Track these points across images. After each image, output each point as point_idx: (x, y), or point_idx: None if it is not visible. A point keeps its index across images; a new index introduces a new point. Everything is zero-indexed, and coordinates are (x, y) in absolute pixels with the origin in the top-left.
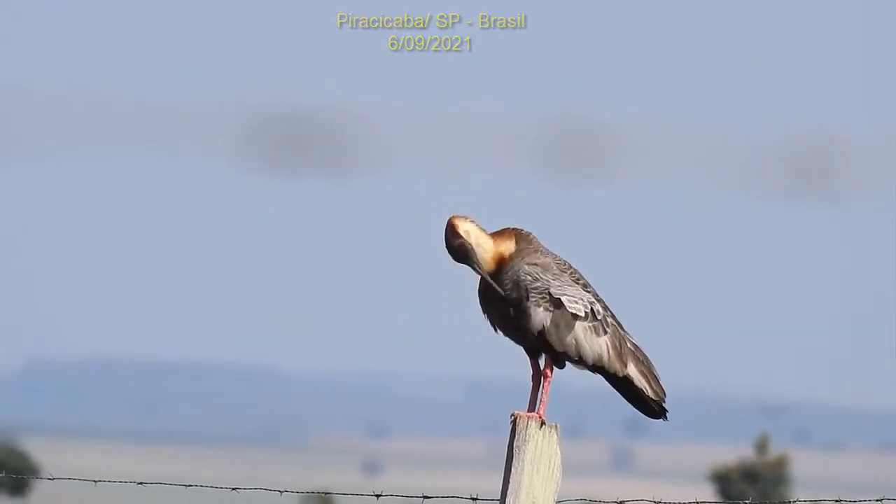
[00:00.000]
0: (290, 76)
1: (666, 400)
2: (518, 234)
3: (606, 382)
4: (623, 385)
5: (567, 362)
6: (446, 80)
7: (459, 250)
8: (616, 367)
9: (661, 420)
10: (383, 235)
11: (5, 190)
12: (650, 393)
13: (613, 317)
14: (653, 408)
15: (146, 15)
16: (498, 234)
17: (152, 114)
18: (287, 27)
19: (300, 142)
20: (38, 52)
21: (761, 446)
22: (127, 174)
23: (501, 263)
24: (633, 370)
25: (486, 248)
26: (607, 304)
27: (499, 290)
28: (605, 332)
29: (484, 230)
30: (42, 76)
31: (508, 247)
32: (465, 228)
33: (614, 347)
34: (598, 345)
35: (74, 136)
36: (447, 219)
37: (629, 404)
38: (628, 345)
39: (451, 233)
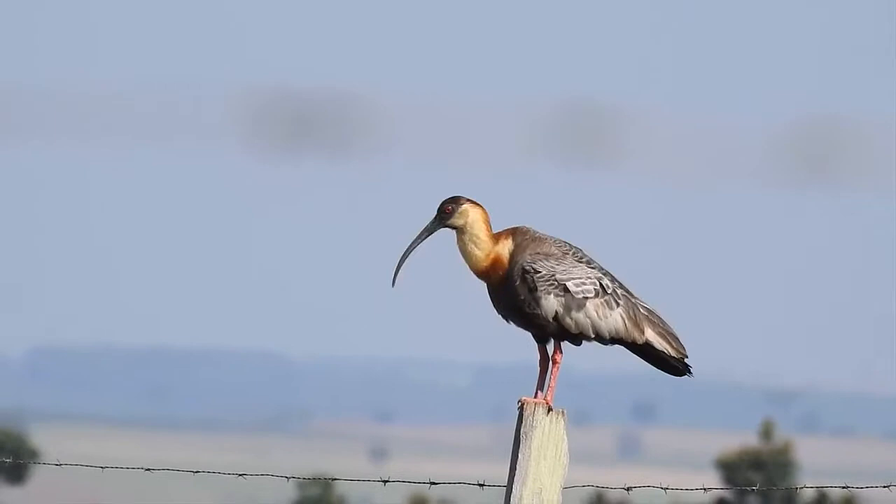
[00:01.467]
0: (295, 60)
1: (688, 356)
2: (514, 232)
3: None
4: (644, 350)
5: (585, 340)
6: (454, 65)
7: (444, 205)
8: (634, 335)
9: (686, 376)
10: (391, 220)
11: (16, 175)
12: (672, 352)
13: (622, 286)
14: (676, 367)
15: (143, 2)
16: (496, 237)
17: (158, 98)
18: (292, 9)
19: (307, 128)
20: (46, 43)
21: (766, 433)
22: (134, 160)
23: (500, 263)
24: (651, 335)
25: (480, 242)
26: (614, 275)
27: (394, 276)
28: (618, 305)
29: (489, 228)
30: (52, 66)
31: (507, 246)
32: (469, 215)
33: (629, 317)
34: (613, 318)
35: (81, 121)
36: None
37: (655, 367)
38: (642, 311)
39: (452, 200)
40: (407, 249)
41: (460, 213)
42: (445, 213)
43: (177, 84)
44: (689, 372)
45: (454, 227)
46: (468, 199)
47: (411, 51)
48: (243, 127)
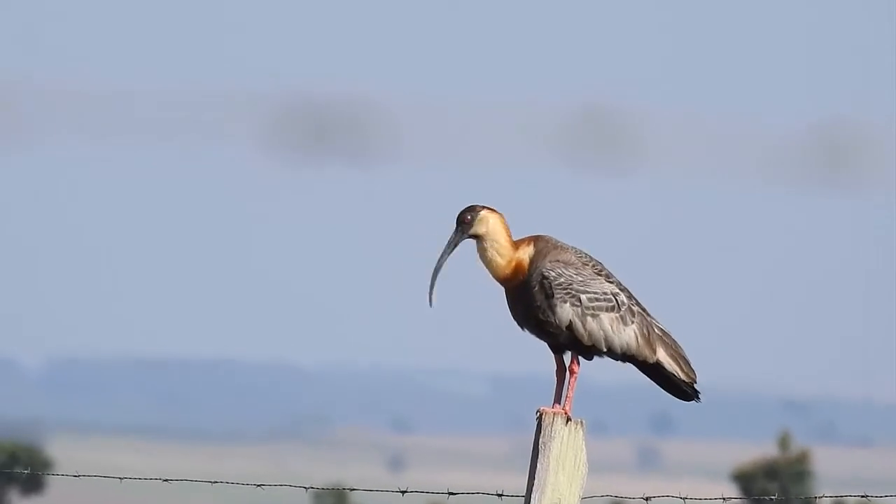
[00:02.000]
0: (312, 65)
1: (697, 381)
2: (536, 239)
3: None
4: (654, 371)
5: (595, 355)
6: (470, 69)
7: (462, 215)
8: (646, 353)
9: (694, 401)
10: (408, 228)
11: (30, 184)
12: (682, 376)
13: (639, 304)
14: (685, 390)
15: (160, 4)
16: (517, 243)
17: (175, 105)
18: (310, 15)
19: (322, 134)
20: (62, 42)
21: (783, 443)
22: (150, 168)
23: (521, 269)
24: (662, 355)
25: (501, 248)
26: (632, 292)
27: (430, 295)
28: (633, 321)
29: (509, 234)
30: (64, 67)
31: (528, 252)
32: (489, 222)
33: (643, 335)
34: (626, 334)
35: (99, 129)
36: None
37: (662, 389)
38: (656, 331)
39: (469, 210)
40: (436, 266)
41: (479, 220)
42: (465, 223)
43: (194, 89)
44: (698, 397)
45: (475, 237)
46: (485, 207)
47: (427, 55)
48: (258, 134)
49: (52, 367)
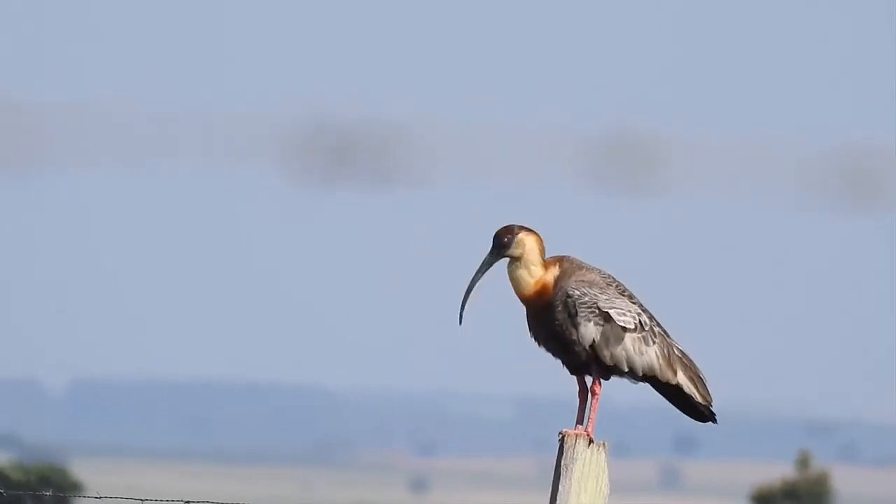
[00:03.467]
0: (332, 87)
1: (713, 403)
2: (561, 260)
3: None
4: (672, 392)
5: (616, 375)
6: (493, 91)
7: (499, 237)
8: (667, 375)
9: (710, 423)
10: (432, 251)
11: (50, 205)
12: (699, 398)
13: (660, 325)
14: (702, 412)
15: (184, 25)
16: (545, 264)
17: (192, 126)
18: (328, 36)
19: (347, 157)
20: (77, 62)
21: (802, 463)
22: (172, 189)
23: (546, 289)
24: (682, 377)
25: (533, 269)
26: (653, 313)
27: (461, 314)
28: (654, 342)
29: (543, 255)
30: (79, 86)
31: (553, 273)
32: (527, 245)
33: (664, 356)
34: (648, 355)
35: (115, 149)
36: (521, 228)
37: (679, 410)
38: (676, 352)
39: (507, 231)
40: (469, 285)
41: (517, 242)
42: (503, 246)
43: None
44: (714, 419)
45: (512, 258)
46: (522, 227)
47: (451, 80)
48: (283, 157)
49: (76, 388)
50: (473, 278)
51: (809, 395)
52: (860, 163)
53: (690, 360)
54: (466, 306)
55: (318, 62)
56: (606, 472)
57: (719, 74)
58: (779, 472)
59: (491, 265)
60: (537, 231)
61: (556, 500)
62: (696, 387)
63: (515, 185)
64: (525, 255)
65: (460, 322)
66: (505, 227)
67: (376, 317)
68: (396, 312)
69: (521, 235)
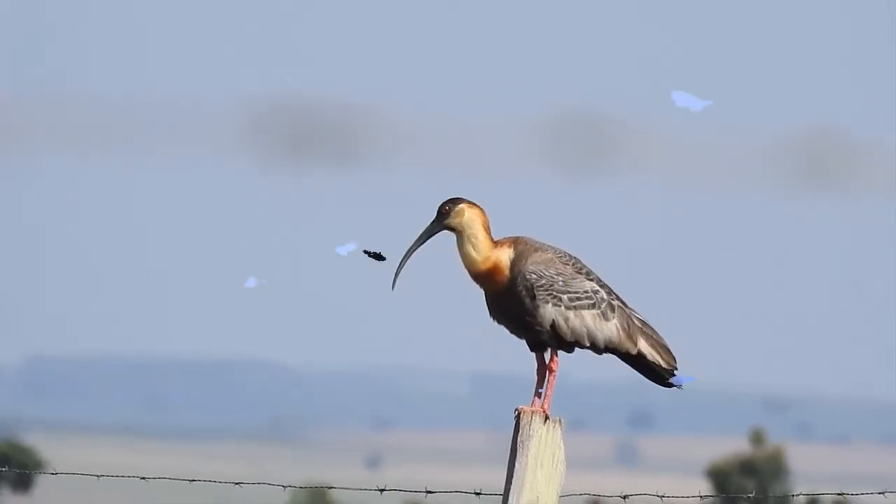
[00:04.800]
0: (299, 68)
1: (678, 367)
2: (515, 241)
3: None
4: (636, 361)
5: (578, 348)
6: (456, 75)
7: (441, 206)
8: (628, 345)
9: (677, 388)
10: (388, 230)
11: (12, 186)
12: (663, 364)
13: (618, 297)
14: (665, 377)
15: (151, 7)
16: (496, 243)
17: (158, 109)
18: (298, 19)
19: (306, 136)
20: (44, 50)
21: (756, 439)
22: (131, 170)
23: (500, 270)
24: (643, 345)
25: (476, 242)
26: (611, 287)
27: (394, 279)
28: (613, 316)
29: (489, 233)
30: (49, 74)
31: (507, 254)
32: (465, 214)
33: (623, 328)
34: (608, 328)
35: (78, 132)
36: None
37: (645, 378)
38: (636, 322)
39: (449, 201)
40: (406, 252)
41: (457, 212)
42: (442, 214)
43: (179, 95)
44: (680, 384)
45: (451, 228)
46: (466, 200)
47: (415, 61)
48: (242, 135)
49: (31, 365)
50: (411, 246)
51: (766, 372)
52: (827, 145)
53: (652, 329)
54: (401, 273)
55: (284, 45)
56: (563, 449)
57: (684, 56)
58: (734, 447)
59: (431, 234)
60: (481, 206)
61: (512, 476)
62: (660, 353)
63: (477, 166)
64: (465, 226)
65: (392, 287)
66: (450, 198)
67: (332, 293)
68: (353, 289)
69: (463, 206)
